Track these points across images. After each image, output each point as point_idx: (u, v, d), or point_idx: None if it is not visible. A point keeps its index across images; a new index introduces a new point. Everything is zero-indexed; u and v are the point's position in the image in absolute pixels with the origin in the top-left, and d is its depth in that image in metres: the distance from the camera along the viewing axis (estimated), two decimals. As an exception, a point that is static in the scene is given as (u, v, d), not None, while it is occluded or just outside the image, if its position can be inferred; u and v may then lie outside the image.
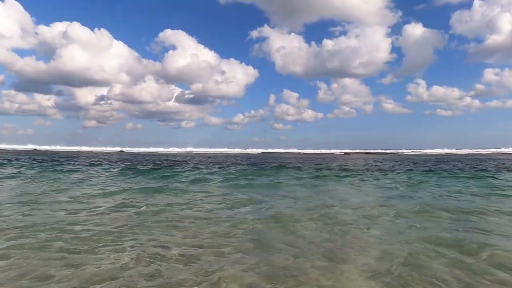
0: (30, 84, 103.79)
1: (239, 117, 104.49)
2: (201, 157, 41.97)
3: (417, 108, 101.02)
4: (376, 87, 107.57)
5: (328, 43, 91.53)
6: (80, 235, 4.66)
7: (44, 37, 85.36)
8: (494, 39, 75.23)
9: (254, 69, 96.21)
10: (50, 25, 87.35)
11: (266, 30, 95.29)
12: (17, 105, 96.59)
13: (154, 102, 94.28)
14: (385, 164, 25.21)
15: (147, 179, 13.18)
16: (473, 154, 62.54)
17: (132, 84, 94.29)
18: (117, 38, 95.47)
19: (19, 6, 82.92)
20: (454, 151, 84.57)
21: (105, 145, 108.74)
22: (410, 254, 3.95)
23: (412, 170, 18.77)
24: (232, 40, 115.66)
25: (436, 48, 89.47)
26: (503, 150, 76.21)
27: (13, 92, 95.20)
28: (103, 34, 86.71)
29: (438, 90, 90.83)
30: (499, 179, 12.90)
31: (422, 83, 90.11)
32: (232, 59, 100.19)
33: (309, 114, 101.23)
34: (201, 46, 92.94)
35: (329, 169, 19.43)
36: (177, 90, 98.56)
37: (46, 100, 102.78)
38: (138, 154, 60.80)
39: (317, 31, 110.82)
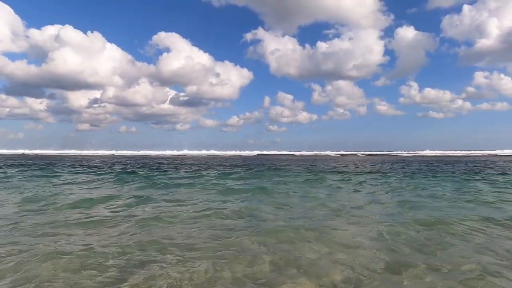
0: (21, 88, 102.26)
1: (234, 119, 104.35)
2: (191, 159, 41.06)
3: (410, 110, 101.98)
4: (369, 89, 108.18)
5: (322, 46, 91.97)
6: None
7: (35, 40, 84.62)
8: (483, 43, 76.87)
9: (249, 71, 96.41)
10: (42, 28, 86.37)
11: (260, 32, 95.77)
12: (8, 109, 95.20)
13: (148, 105, 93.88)
14: (375, 166, 24.59)
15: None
16: (468, 156, 62.44)
17: (126, 87, 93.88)
18: (110, 41, 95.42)
19: (9, 9, 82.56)
20: (454, 152, 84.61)
21: (99, 148, 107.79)
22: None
23: (414, 172, 18.22)
24: (227, 43, 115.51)
25: (427, 51, 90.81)
26: (498, 152, 76.45)
27: (3, 96, 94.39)
28: (96, 37, 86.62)
29: (430, 93, 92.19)
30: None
31: (415, 85, 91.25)
32: (226, 62, 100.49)
33: (303, 116, 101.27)
34: (195, 49, 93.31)
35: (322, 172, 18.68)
36: (171, 93, 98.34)
37: (38, 104, 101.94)
38: (131, 157, 59.67)
39: (311, 33, 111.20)
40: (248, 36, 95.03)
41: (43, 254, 3.91)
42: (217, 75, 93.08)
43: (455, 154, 72.32)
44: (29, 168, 20.66)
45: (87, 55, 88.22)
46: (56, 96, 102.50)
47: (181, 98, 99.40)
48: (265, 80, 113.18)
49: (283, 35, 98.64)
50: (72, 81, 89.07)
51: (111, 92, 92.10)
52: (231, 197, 8.90)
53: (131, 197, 8.74)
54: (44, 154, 77.87)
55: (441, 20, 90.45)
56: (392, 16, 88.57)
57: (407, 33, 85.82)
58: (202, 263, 3.72)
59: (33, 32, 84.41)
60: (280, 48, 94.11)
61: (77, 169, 21.01)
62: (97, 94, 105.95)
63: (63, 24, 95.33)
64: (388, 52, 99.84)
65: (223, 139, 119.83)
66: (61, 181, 12.98)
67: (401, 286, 3.22)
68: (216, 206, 7.49)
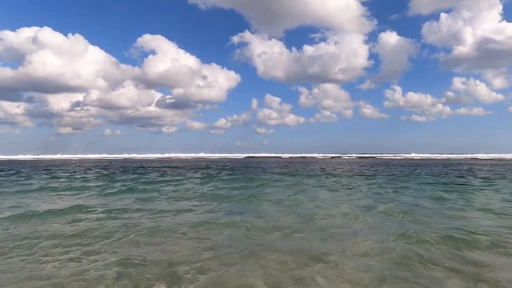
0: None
1: (221, 122, 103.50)
2: (176, 162, 39.87)
3: (394, 113, 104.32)
4: (355, 93, 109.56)
5: (308, 49, 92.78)
6: None
7: (10, 42, 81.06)
8: (460, 50, 79.87)
9: (236, 73, 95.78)
10: (17, 30, 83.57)
11: (247, 35, 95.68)
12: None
13: (133, 108, 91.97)
14: (367, 169, 24.45)
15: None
16: (451, 159, 63.98)
17: (110, 89, 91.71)
18: (93, 43, 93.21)
19: (-20, 11, 78.70)
20: (437, 156, 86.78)
21: (83, 152, 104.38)
22: None
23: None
24: (213, 45, 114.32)
25: (410, 56, 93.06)
26: (478, 155, 79.07)
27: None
28: (78, 39, 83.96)
29: (413, 97, 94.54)
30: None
31: (398, 89, 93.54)
32: (213, 64, 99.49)
33: (291, 119, 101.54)
34: (181, 51, 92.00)
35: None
36: (157, 95, 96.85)
37: (14, 108, 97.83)
38: (112, 160, 57.60)
39: (297, 37, 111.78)
40: (235, 39, 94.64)
41: None
42: (204, 77, 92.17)
43: (437, 158, 74.09)
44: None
45: (68, 58, 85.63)
46: (34, 99, 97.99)
47: (167, 101, 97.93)
48: (252, 83, 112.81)
49: (270, 38, 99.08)
50: (52, 84, 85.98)
51: (94, 95, 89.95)
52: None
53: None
54: (16, 160, 74.26)
55: (421, 27, 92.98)
56: (375, 21, 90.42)
57: (390, 38, 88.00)
58: None
59: (7, 34, 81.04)
60: (267, 51, 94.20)
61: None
62: (79, 97, 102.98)
63: (41, 26, 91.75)
64: (372, 56, 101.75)
65: (210, 141, 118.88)
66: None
67: None
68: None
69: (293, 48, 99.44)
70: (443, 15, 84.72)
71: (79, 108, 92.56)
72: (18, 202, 8.95)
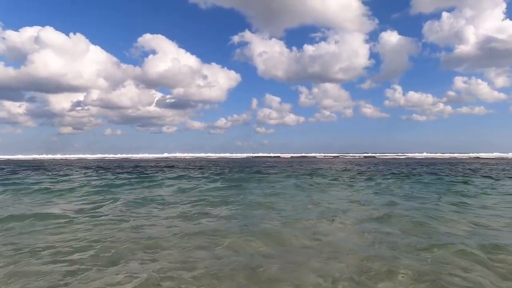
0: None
1: (221, 122, 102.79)
2: (175, 162, 38.90)
3: (394, 113, 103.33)
4: (355, 92, 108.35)
5: (309, 48, 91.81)
6: None
7: (12, 42, 79.95)
8: (462, 49, 78.53)
9: (236, 73, 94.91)
10: (19, 30, 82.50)
11: (247, 35, 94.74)
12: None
13: (134, 107, 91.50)
14: (368, 168, 23.40)
15: None
16: (455, 158, 62.83)
17: (111, 89, 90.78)
18: (94, 43, 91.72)
19: (-17, 10, 78.23)
20: (442, 155, 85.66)
21: (83, 152, 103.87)
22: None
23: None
24: (214, 45, 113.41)
25: (411, 55, 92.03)
26: (481, 155, 77.95)
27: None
28: (79, 39, 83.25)
29: (414, 96, 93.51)
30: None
31: (399, 88, 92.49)
32: (213, 64, 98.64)
33: (291, 118, 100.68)
34: (182, 51, 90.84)
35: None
36: (158, 95, 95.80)
37: (16, 107, 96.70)
38: (109, 160, 56.76)
39: (298, 36, 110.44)
40: (235, 38, 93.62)
41: None
42: (205, 77, 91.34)
43: (440, 157, 72.90)
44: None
45: (70, 58, 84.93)
46: (36, 99, 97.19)
47: (167, 100, 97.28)
48: (252, 82, 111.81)
49: (270, 38, 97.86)
50: (54, 84, 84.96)
51: (95, 94, 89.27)
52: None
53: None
54: (16, 160, 73.62)
55: (423, 26, 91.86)
56: (376, 21, 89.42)
57: (391, 37, 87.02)
58: None
59: (10, 34, 79.80)
60: (267, 51, 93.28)
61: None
62: (80, 96, 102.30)
63: (43, 25, 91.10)
64: (373, 55, 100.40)
65: (210, 141, 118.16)
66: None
67: None
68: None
69: (294, 48, 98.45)
70: (444, 14, 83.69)
71: (80, 108, 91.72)
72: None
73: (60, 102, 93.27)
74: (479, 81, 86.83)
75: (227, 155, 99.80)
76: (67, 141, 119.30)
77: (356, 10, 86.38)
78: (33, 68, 75.93)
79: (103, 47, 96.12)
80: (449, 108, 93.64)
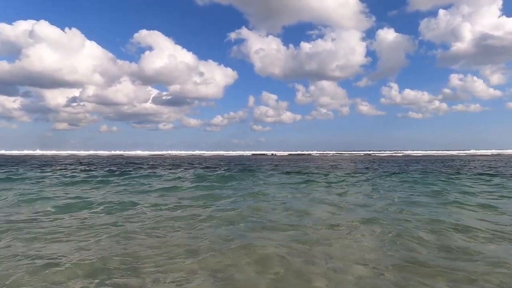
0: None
1: (218, 119, 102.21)
2: (169, 159, 37.76)
3: (390, 111, 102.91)
4: (352, 90, 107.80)
5: (305, 46, 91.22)
6: None
7: (6, 36, 79.18)
8: (458, 47, 78.82)
9: (233, 70, 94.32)
10: (13, 23, 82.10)
11: (244, 32, 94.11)
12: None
13: (130, 104, 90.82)
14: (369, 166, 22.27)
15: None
16: (452, 155, 61.83)
17: (107, 85, 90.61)
18: (90, 38, 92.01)
19: (-25, 3, 76.68)
20: (439, 152, 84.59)
21: (79, 149, 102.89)
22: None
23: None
24: (210, 42, 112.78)
25: (407, 52, 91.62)
26: (481, 151, 77.01)
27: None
28: (75, 34, 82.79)
29: (410, 94, 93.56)
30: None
31: (395, 86, 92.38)
32: (210, 61, 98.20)
33: (287, 116, 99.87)
34: (178, 47, 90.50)
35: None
36: (154, 92, 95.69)
37: (11, 102, 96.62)
38: (104, 157, 55.64)
39: (295, 34, 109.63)
40: (232, 35, 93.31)
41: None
42: (201, 74, 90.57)
43: (439, 154, 71.83)
44: None
45: (65, 52, 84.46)
46: (31, 94, 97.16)
47: (164, 97, 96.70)
48: (249, 80, 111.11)
49: (267, 35, 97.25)
50: (49, 79, 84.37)
51: (91, 90, 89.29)
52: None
53: None
54: (8, 155, 72.46)
55: (419, 23, 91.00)
56: (373, 18, 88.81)
57: (388, 35, 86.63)
58: None
59: (4, 27, 79.22)
60: (264, 48, 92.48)
61: None
62: (76, 92, 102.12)
63: (37, 19, 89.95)
64: (369, 53, 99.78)
65: (207, 138, 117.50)
66: None
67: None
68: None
69: (290, 45, 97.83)
70: (441, 12, 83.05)
71: (75, 103, 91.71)
72: None
73: (56, 97, 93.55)
74: (475, 78, 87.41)
75: (222, 152, 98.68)
76: (62, 137, 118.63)
77: (353, 7, 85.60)
78: (28, 63, 75.45)
79: (99, 42, 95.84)
80: (444, 105, 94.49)
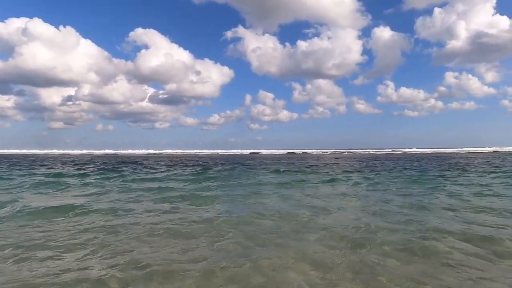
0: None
1: (214, 118, 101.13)
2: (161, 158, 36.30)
3: (387, 109, 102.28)
4: (348, 88, 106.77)
5: (302, 44, 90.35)
6: None
7: None
8: (453, 45, 78.19)
9: (230, 69, 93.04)
10: (5, 21, 79.71)
11: (240, 30, 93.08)
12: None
13: (126, 103, 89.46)
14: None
15: None
16: (453, 153, 60.79)
17: (102, 84, 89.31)
18: (85, 36, 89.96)
19: (-34, -1, 75.00)
20: (441, 150, 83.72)
21: (74, 148, 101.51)
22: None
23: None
24: (207, 40, 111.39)
25: (403, 51, 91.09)
26: (479, 149, 76.17)
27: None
28: (70, 32, 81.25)
29: (406, 92, 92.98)
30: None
31: (391, 84, 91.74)
32: (206, 59, 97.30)
33: (284, 115, 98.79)
34: (175, 46, 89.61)
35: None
36: (150, 90, 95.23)
37: (4, 101, 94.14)
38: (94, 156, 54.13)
39: (291, 32, 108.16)
40: (229, 34, 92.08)
41: None
42: (198, 72, 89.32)
43: (438, 152, 70.75)
44: None
45: (60, 51, 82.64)
46: (25, 92, 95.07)
47: (160, 96, 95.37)
48: (246, 78, 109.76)
49: (264, 33, 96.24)
50: (44, 77, 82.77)
51: (86, 89, 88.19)
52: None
53: None
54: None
55: (415, 22, 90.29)
56: (369, 16, 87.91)
57: (384, 33, 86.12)
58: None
59: None
60: (261, 46, 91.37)
61: None
62: (71, 91, 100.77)
63: (30, 17, 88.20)
64: (366, 51, 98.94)
65: (203, 137, 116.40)
66: None
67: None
68: None
69: (287, 44, 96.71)
70: (436, 10, 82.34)
71: (70, 102, 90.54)
72: None
73: (51, 96, 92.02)
74: (470, 76, 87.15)
75: (218, 151, 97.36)
76: (57, 136, 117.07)
77: (349, 6, 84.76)
78: (21, 61, 73.78)
79: (94, 41, 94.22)
80: (440, 103, 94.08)
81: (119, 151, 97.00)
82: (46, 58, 77.54)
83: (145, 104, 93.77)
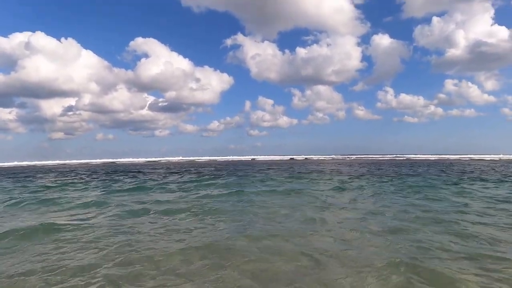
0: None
1: (214, 124, 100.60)
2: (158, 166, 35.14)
3: (386, 115, 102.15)
4: (348, 94, 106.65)
5: (301, 51, 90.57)
6: None
7: (2, 48, 77.39)
8: (452, 53, 79.04)
9: (229, 76, 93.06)
10: (9, 36, 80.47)
11: (240, 38, 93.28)
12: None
13: (126, 111, 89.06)
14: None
15: None
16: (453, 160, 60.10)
17: (103, 93, 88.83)
18: (86, 47, 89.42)
19: (-29, 16, 74.87)
20: (447, 156, 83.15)
21: (75, 158, 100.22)
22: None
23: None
24: (206, 48, 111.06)
25: (402, 58, 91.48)
26: (482, 156, 75.69)
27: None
28: (71, 44, 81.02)
29: (405, 98, 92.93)
30: None
31: (391, 91, 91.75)
32: (206, 67, 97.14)
33: (284, 121, 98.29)
34: (174, 54, 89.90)
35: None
36: (150, 99, 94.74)
37: (6, 114, 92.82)
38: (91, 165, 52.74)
39: (290, 39, 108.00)
40: (228, 41, 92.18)
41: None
42: (197, 80, 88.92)
43: (442, 158, 70.01)
44: None
45: (62, 62, 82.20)
46: (27, 105, 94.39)
47: (160, 104, 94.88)
48: (245, 85, 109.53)
49: (263, 41, 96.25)
50: (45, 89, 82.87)
51: (87, 99, 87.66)
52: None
53: None
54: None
55: (414, 30, 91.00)
56: (368, 24, 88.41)
57: (383, 40, 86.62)
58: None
59: (0, 40, 77.14)
60: (260, 53, 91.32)
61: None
62: (71, 101, 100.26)
63: (33, 31, 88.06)
64: (365, 58, 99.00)
65: (203, 144, 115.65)
66: None
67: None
68: None
69: (286, 50, 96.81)
70: (435, 19, 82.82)
71: (71, 112, 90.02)
72: None
73: (51, 107, 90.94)
74: (470, 84, 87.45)
75: (217, 158, 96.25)
76: (58, 147, 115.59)
77: (349, 13, 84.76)
78: (24, 74, 73.80)
79: (95, 51, 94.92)
80: (440, 110, 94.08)
81: (117, 160, 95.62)
82: (48, 70, 77.72)
83: (145, 112, 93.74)
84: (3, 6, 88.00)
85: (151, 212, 7.62)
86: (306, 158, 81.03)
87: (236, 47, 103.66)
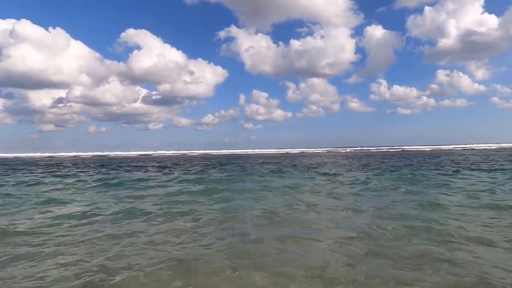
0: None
1: (209, 118, 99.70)
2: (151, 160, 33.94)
3: (380, 107, 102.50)
4: (342, 87, 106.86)
5: (295, 43, 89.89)
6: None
7: None
8: (444, 43, 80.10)
9: (223, 69, 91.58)
10: None
11: (233, 30, 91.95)
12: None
13: (119, 104, 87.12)
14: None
15: None
16: (448, 150, 60.16)
17: (94, 85, 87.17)
18: (75, 37, 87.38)
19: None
20: (441, 147, 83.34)
21: (66, 150, 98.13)
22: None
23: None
24: (200, 40, 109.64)
25: (395, 49, 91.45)
26: (476, 146, 76.26)
27: None
28: (60, 34, 79.60)
29: (399, 90, 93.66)
30: None
31: (384, 82, 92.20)
32: (200, 59, 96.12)
33: (278, 114, 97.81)
34: (167, 46, 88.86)
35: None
36: (143, 91, 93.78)
37: None
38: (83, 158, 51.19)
39: (284, 31, 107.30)
40: (222, 33, 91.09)
41: None
42: (191, 73, 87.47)
43: (440, 149, 70.19)
44: None
45: (50, 52, 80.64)
46: (14, 95, 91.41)
47: (153, 97, 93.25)
48: (240, 78, 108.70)
49: (257, 33, 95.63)
50: (33, 80, 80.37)
51: (78, 91, 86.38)
52: None
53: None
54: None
55: (407, 20, 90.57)
56: (362, 15, 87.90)
57: (376, 31, 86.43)
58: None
59: None
60: (254, 46, 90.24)
61: None
62: (62, 93, 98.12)
63: (17, 18, 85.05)
64: (359, 50, 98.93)
65: (198, 138, 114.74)
66: None
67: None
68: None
69: (280, 43, 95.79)
70: (427, 8, 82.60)
71: (62, 104, 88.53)
72: None
73: (41, 98, 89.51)
74: (460, 74, 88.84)
75: (212, 151, 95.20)
76: (48, 139, 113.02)
77: (342, 4, 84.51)
78: (9, 63, 71.74)
79: (85, 42, 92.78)
80: (432, 101, 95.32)
81: (109, 153, 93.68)
82: (35, 60, 75.60)
83: (138, 105, 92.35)
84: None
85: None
86: (302, 152, 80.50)
87: (230, 39, 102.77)
